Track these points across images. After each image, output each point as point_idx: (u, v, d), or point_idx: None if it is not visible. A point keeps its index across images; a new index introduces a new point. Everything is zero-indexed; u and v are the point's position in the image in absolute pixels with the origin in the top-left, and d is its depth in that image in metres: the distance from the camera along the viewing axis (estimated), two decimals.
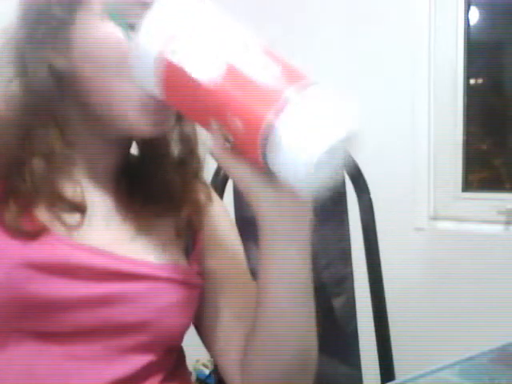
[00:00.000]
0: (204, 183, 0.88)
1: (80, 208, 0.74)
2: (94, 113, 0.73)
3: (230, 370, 0.83)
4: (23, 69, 0.71)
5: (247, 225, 1.21)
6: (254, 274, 1.14)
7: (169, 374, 0.81)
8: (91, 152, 0.77)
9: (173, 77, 0.63)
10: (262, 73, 0.59)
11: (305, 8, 2.28)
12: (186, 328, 0.82)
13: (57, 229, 0.72)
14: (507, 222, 2.00)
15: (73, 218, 0.73)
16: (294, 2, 2.31)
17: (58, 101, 0.71)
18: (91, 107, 0.73)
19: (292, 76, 0.60)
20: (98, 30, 0.70)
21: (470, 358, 0.88)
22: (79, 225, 0.73)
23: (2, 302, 0.69)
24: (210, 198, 0.87)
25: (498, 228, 2.00)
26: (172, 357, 0.83)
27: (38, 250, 0.70)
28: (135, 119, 0.72)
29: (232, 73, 0.60)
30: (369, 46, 2.16)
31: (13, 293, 0.69)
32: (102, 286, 0.73)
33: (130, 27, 0.70)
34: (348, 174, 1.31)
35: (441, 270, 2.02)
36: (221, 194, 1.14)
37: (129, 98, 0.71)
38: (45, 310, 0.70)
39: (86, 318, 0.72)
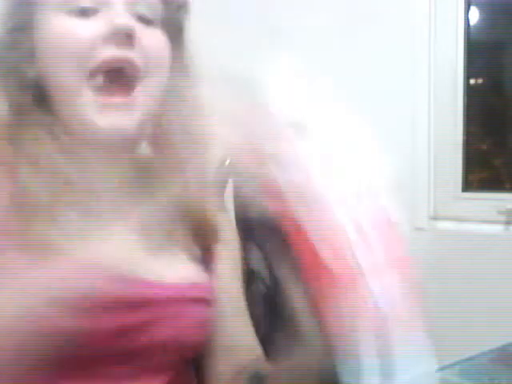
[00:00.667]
0: (215, 196, 0.85)
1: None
2: (64, 115, 0.72)
3: None
4: (1, 74, 0.72)
5: (247, 225, 1.21)
6: (254, 274, 1.14)
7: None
8: (89, 159, 0.75)
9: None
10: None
11: (305, 8, 2.28)
12: (203, 343, 0.81)
13: (65, 248, 0.69)
14: (507, 222, 2.00)
15: (80, 231, 0.71)
16: (294, 1, 2.31)
17: (39, 107, 0.71)
18: (61, 110, 0.72)
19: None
20: (53, 26, 0.70)
21: (470, 358, 0.88)
22: (87, 238, 0.72)
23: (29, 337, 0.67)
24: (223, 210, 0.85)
25: (498, 228, 2.00)
26: (192, 370, 0.82)
27: (61, 285, 0.66)
28: (93, 119, 0.70)
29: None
30: (369, 46, 2.16)
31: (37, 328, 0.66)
32: (129, 315, 0.71)
33: (82, 12, 0.70)
34: None
35: (441, 270, 2.02)
36: (221, 194, 1.14)
37: (86, 97, 0.70)
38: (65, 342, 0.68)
39: (109, 346, 0.70)
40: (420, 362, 0.54)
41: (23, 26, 0.71)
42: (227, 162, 1.18)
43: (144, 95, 0.72)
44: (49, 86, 0.72)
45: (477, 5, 2.13)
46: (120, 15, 0.70)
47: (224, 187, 1.17)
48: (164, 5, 0.76)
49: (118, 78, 0.71)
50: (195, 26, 0.83)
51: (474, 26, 2.15)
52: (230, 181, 1.18)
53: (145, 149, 0.82)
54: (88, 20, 0.71)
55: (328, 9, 2.23)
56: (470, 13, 2.11)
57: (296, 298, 0.65)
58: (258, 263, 1.16)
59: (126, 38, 0.70)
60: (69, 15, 0.70)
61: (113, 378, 0.71)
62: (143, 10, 0.73)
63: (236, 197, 1.19)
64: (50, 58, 0.71)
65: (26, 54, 0.71)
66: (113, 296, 0.69)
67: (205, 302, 0.78)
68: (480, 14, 2.17)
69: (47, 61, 0.71)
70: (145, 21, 0.74)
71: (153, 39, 0.74)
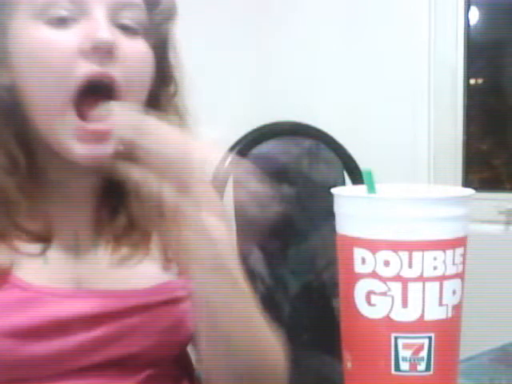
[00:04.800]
0: None
1: (44, 238, 0.71)
2: (37, 130, 0.70)
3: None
4: None
5: (247, 225, 1.21)
6: (254, 274, 1.14)
7: (177, 379, 0.80)
8: (62, 175, 0.73)
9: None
10: None
11: (305, 8, 2.28)
12: (190, 337, 0.80)
13: (22, 271, 0.70)
14: (507, 222, 2.00)
15: (40, 253, 0.71)
16: (295, 2, 2.31)
17: (10, 120, 0.69)
18: (35, 125, 0.70)
19: None
20: (28, 34, 0.67)
21: (470, 358, 0.88)
22: (50, 259, 0.71)
23: None
24: None
25: (498, 228, 2.00)
26: (179, 363, 0.81)
27: (22, 315, 0.68)
28: (68, 143, 0.68)
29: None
30: (369, 46, 2.16)
31: (4, 359, 0.67)
32: (95, 331, 0.70)
33: (61, 21, 0.67)
34: (348, 173, 1.31)
35: None
36: (221, 194, 1.14)
37: (69, 120, 0.67)
38: (39, 365, 0.69)
39: (83, 360, 0.70)
40: None
41: None
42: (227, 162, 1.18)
43: None
44: (24, 101, 0.69)
45: (477, 5, 2.13)
46: (101, 28, 0.66)
47: (223, 186, 1.17)
48: (149, 13, 0.71)
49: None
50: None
51: (474, 26, 2.15)
52: (230, 181, 1.18)
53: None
54: (67, 30, 0.67)
55: (329, 9, 2.23)
56: (470, 13, 2.11)
57: None
58: (257, 263, 1.16)
59: (107, 53, 0.66)
60: (47, 24, 0.67)
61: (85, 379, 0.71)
62: (127, 19, 0.69)
63: (236, 197, 1.19)
64: (28, 70, 0.68)
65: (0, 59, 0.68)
66: (75, 319, 0.70)
67: (179, 300, 0.76)
68: (480, 13, 2.17)
69: (25, 73, 0.68)
70: (128, 31, 0.70)
71: (136, 52, 0.70)
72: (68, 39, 0.67)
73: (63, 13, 0.67)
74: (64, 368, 0.70)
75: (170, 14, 0.75)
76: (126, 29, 0.70)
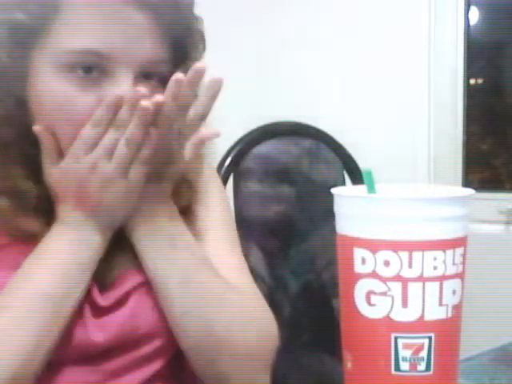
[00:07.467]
0: (189, 183, 0.81)
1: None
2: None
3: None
4: None
5: (247, 225, 1.21)
6: (254, 274, 1.14)
7: (179, 377, 0.80)
8: None
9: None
10: None
11: (306, 8, 2.28)
12: None
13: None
14: (507, 222, 2.00)
15: None
16: (295, 2, 2.31)
17: (22, 134, 0.69)
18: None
19: None
20: (49, 84, 0.67)
21: (470, 358, 0.88)
22: None
23: None
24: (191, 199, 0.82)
25: (498, 228, 2.00)
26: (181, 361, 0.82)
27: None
28: None
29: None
30: (369, 46, 2.15)
31: None
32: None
33: (84, 78, 0.67)
34: (348, 173, 1.31)
35: None
36: None
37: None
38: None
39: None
40: None
41: (18, 56, 0.68)
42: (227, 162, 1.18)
43: None
44: (35, 118, 0.69)
45: (477, 5, 2.13)
46: (123, 92, 0.66)
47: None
48: (176, 65, 0.71)
49: None
50: None
51: (474, 26, 2.15)
52: (230, 180, 1.18)
53: None
54: (90, 90, 0.67)
55: (329, 8, 2.23)
56: (470, 13, 2.11)
57: None
58: (257, 263, 1.16)
59: None
60: (70, 79, 0.67)
61: (102, 372, 0.72)
62: (152, 75, 0.70)
63: (236, 197, 1.19)
64: (45, 111, 0.68)
65: (20, 75, 0.68)
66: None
67: None
68: (480, 14, 2.17)
69: (40, 110, 0.69)
70: (153, 86, 0.70)
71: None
72: (89, 102, 0.67)
73: (87, 70, 0.67)
74: (68, 357, 0.70)
75: (196, 60, 0.74)
76: (150, 82, 0.69)
